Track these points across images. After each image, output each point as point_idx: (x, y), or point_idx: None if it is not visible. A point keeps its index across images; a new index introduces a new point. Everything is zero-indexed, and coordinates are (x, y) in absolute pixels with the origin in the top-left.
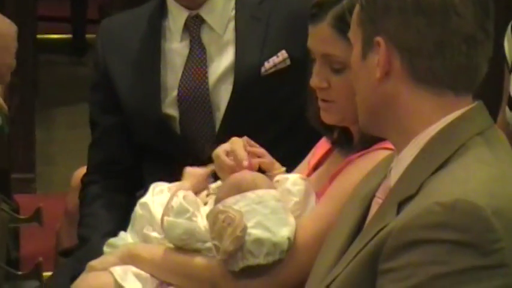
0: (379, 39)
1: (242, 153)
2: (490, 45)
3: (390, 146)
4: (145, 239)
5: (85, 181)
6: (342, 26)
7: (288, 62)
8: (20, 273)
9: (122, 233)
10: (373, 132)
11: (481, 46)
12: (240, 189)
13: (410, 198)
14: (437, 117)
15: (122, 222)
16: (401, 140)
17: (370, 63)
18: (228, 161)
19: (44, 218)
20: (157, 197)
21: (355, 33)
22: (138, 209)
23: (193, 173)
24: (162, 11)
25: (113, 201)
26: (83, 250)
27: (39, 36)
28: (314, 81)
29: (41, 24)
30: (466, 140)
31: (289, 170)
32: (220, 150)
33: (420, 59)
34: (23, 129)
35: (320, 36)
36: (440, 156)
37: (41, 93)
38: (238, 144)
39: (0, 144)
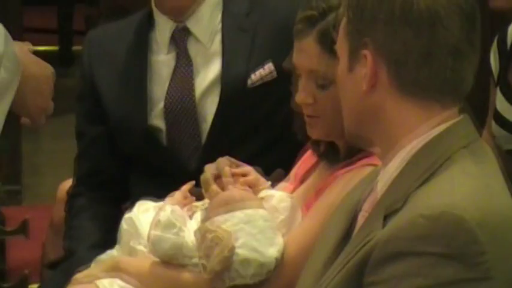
0: (365, 52)
1: (228, 180)
2: (476, 57)
3: (376, 162)
4: (131, 252)
5: (71, 193)
6: (327, 41)
7: (275, 74)
8: (5, 285)
9: (109, 252)
10: (359, 144)
11: (467, 59)
12: (228, 207)
13: (396, 211)
14: (424, 129)
15: (108, 233)
16: (387, 152)
17: (357, 76)
18: (217, 189)
19: (30, 229)
20: (143, 215)
21: (341, 46)
22: (123, 224)
23: (173, 195)
24: (149, 23)
25: (99, 213)
26: (69, 262)
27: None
28: (300, 97)
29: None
30: (451, 153)
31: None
32: (208, 174)
33: (406, 70)
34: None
35: (306, 52)
36: (426, 169)
37: None
38: (224, 169)
39: None
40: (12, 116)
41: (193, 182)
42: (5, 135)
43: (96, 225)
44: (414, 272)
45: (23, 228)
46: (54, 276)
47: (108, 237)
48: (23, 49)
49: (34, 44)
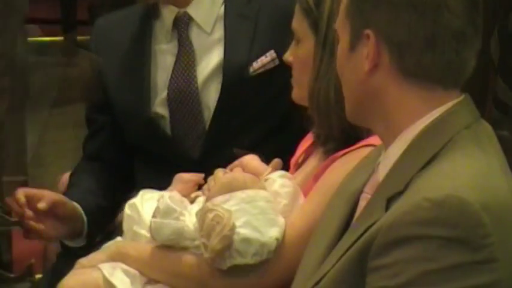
0: (368, 32)
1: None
2: (478, 39)
3: (374, 142)
4: (135, 238)
5: (74, 169)
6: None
7: (277, 61)
8: (12, 275)
9: (118, 238)
10: (359, 124)
11: (470, 41)
12: (230, 189)
13: (399, 194)
14: (425, 111)
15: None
16: (388, 134)
17: (359, 56)
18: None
19: None
20: (147, 202)
21: (342, 25)
22: (126, 210)
23: (182, 178)
24: (153, 11)
25: (100, 178)
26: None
27: (29, 38)
28: (284, 56)
29: (31, 26)
30: (453, 134)
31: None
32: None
33: (410, 53)
34: (14, 132)
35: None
36: (428, 151)
37: (32, 95)
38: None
39: None
40: (16, 108)
41: (202, 175)
42: (9, 126)
43: (97, 180)
44: (420, 256)
45: None
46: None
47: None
48: None
49: (39, 35)
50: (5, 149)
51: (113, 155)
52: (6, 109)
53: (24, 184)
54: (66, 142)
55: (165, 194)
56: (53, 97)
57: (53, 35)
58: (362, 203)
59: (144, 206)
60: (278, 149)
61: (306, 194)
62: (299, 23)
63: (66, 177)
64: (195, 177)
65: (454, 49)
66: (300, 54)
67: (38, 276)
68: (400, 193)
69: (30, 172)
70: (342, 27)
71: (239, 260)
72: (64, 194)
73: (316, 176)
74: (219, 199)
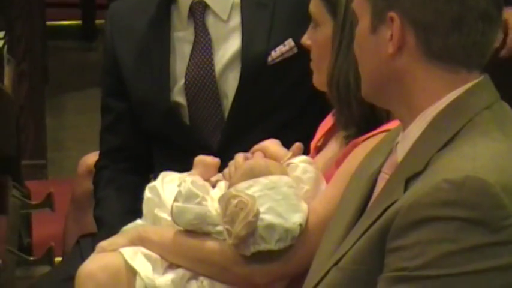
0: (392, 14)
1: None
2: (501, 20)
3: (394, 127)
4: (155, 221)
5: (98, 166)
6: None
7: (295, 50)
8: (32, 258)
9: (138, 221)
10: (376, 103)
11: (495, 22)
12: (253, 174)
13: (418, 174)
14: (447, 92)
15: (137, 202)
16: (408, 115)
17: (381, 37)
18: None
19: (55, 203)
20: (168, 185)
21: (361, 6)
22: (147, 193)
23: (202, 161)
24: None
25: (126, 183)
26: (101, 232)
27: (48, 22)
28: (303, 39)
29: (50, 10)
30: (474, 115)
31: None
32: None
33: (436, 35)
34: (33, 115)
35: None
36: (448, 131)
37: (51, 79)
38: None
39: (8, 131)
40: (35, 92)
41: (218, 160)
42: (29, 110)
43: (124, 194)
44: (439, 237)
45: (49, 202)
46: (85, 246)
47: (137, 206)
48: None
49: (57, 19)
50: (25, 133)
51: (135, 145)
52: (26, 93)
53: (44, 168)
54: (86, 126)
55: (187, 178)
56: (73, 81)
57: (72, 19)
58: (380, 183)
59: (165, 188)
60: (297, 137)
61: (327, 180)
62: (317, 7)
63: (85, 160)
64: (216, 160)
65: (480, 30)
66: (318, 38)
67: (58, 259)
68: (420, 173)
69: (49, 156)
70: (360, 8)
71: (263, 246)
72: (102, 216)
73: (338, 162)
74: (242, 185)
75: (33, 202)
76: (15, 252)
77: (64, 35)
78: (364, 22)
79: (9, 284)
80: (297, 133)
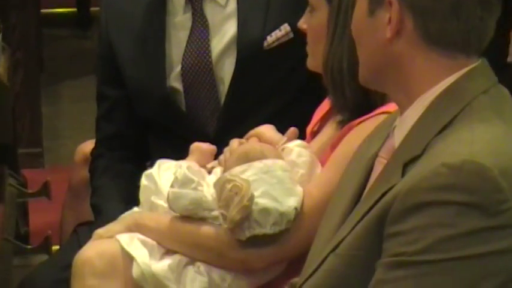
0: None
1: (250, 137)
2: (500, 5)
3: (390, 109)
4: (152, 208)
5: (94, 154)
6: None
7: (291, 35)
8: (29, 247)
9: (135, 208)
10: (373, 87)
11: (494, 7)
12: (248, 159)
13: (415, 159)
14: (445, 77)
15: (133, 189)
16: (405, 99)
17: (378, 21)
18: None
19: (52, 191)
20: (164, 173)
21: None
22: (143, 180)
23: (199, 147)
24: None
25: (123, 171)
26: (99, 221)
27: (43, 10)
28: (299, 23)
29: None
30: (471, 99)
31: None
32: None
33: (434, 20)
34: (28, 104)
35: None
36: (445, 115)
37: (47, 67)
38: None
39: (4, 119)
40: (31, 80)
41: (214, 147)
42: (25, 98)
43: (121, 182)
44: (438, 222)
45: (45, 190)
46: (83, 234)
47: (134, 193)
48: None
49: (52, 7)
50: (21, 121)
51: (132, 132)
52: (21, 82)
53: (40, 156)
54: (82, 114)
55: (183, 164)
56: (68, 70)
57: (66, 6)
58: (377, 168)
59: (161, 176)
60: (294, 122)
61: (323, 163)
62: None
63: (82, 148)
64: (212, 147)
65: (478, 16)
66: (313, 23)
67: (55, 247)
68: (417, 158)
69: (45, 144)
70: None
71: (258, 230)
72: (99, 204)
73: (333, 145)
74: (236, 169)
75: (30, 191)
76: (12, 241)
77: (59, 23)
78: (361, 5)
79: (6, 272)
80: (294, 119)
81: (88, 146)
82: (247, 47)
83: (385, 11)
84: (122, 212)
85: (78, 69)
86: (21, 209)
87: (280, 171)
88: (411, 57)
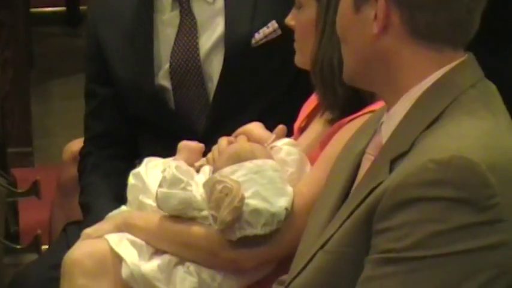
0: None
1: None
2: None
3: (378, 107)
4: (140, 207)
5: (83, 153)
6: None
7: (279, 32)
8: (19, 246)
9: (123, 207)
10: (359, 85)
11: None
12: (238, 159)
13: (403, 155)
14: (432, 71)
15: (123, 188)
16: (392, 95)
17: (365, 17)
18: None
19: (42, 190)
20: (151, 170)
21: None
22: (131, 179)
23: (187, 146)
24: None
25: (112, 169)
26: (88, 219)
27: (32, 9)
28: (287, 19)
29: None
30: (459, 94)
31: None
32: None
33: (422, 13)
34: (18, 102)
35: None
36: (433, 110)
37: (37, 65)
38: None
39: None
40: (20, 79)
41: (203, 145)
42: (14, 97)
43: (110, 180)
44: (426, 217)
45: (35, 189)
46: (72, 233)
47: (123, 192)
48: None
49: (41, 6)
50: (10, 120)
51: (121, 130)
52: (10, 80)
53: (30, 155)
54: (73, 112)
55: (172, 163)
56: (58, 68)
57: (56, 5)
58: (365, 164)
59: (149, 174)
60: (284, 118)
61: (312, 161)
62: None
63: (70, 147)
64: (200, 145)
65: (466, 7)
66: (302, 20)
67: (45, 247)
68: (405, 154)
69: (36, 143)
70: None
71: (249, 231)
72: (87, 203)
73: (323, 143)
74: (226, 170)
75: (19, 190)
76: (2, 241)
77: (49, 21)
78: (346, 2)
79: None
80: (283, 116)
81: (76, 144)
82: (234, 44)
83: (371, 7)
84: (111, 210)
85: (69, 67)
86: (11, 208)
87: (270, 171)
88: (398, 52)
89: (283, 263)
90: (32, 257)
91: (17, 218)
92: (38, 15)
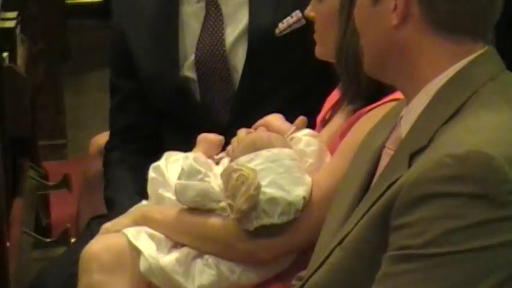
0: None
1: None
2: None
3: (400, 96)
4: (159, 200)
5: (108, 147)
6: None
7: (303, 21)
8: (48, 240)
9: (144, 202)
10: (379, 78)
11: None
12: (255, 147)
13: (422, 149)
14: (451, 64)
15: (146, 182)
16: (411, 88)
17: (384, 9)
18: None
19: (73, 183)
20: (171, 165)
21: None
22: (151, 173)
23: (206, 138)
24: None
25: (136, 164)
26: (112, 213)
27: (69, 1)
28: (306, 11)
29: None
30: (478, 87)
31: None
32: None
33: (442, 3)
34: (51, 95)
35: None
36: (452, 104)
37: (72, 58)
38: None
39: (22, 112)
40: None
41: (222, 137)
42: (47, 90)
43: (134, 175)
44: (444, 213)
45: (65, 182)
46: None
47: (147, 187)
48: None
49: None
50: (43, 113)
51: (146, 125)
52: (44, 72)
53: (63, 147)
54: (106, 105)
55: (190, 155)
56: (93, 60)
57: None
58: (384, 159)
59: (169, 168)
60: (306, 111)
61: (332, 152)
62: None
63: (96, 140)
64: (220, 137)
65: None
66: (323, 10)
67: (74, 240)
68: (424, 148)
69: (70, 135)
70: None
71: (266, 220)
72: (112, 197)
73: (342, 133)
74: (243, 159)
75: (50, 183)
76: (31, 234)
77: (86, 13)
78: None
79: (24, 266)
80: (305, 107)
81: (103, 137)
82: (258, 34)
83: None
84: (135, 205)
85: (103, 59)
86: (42, 201)
87: (287, 160)
88: (417, 44)
89: (302, 258)
90: (62, 250)
91: (48, 211)
92: (75, 6)
